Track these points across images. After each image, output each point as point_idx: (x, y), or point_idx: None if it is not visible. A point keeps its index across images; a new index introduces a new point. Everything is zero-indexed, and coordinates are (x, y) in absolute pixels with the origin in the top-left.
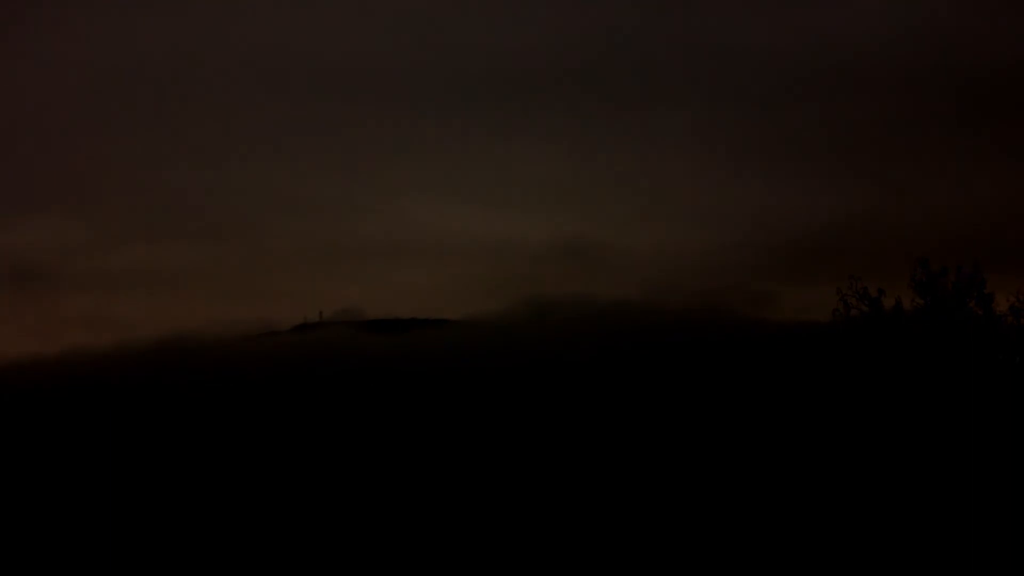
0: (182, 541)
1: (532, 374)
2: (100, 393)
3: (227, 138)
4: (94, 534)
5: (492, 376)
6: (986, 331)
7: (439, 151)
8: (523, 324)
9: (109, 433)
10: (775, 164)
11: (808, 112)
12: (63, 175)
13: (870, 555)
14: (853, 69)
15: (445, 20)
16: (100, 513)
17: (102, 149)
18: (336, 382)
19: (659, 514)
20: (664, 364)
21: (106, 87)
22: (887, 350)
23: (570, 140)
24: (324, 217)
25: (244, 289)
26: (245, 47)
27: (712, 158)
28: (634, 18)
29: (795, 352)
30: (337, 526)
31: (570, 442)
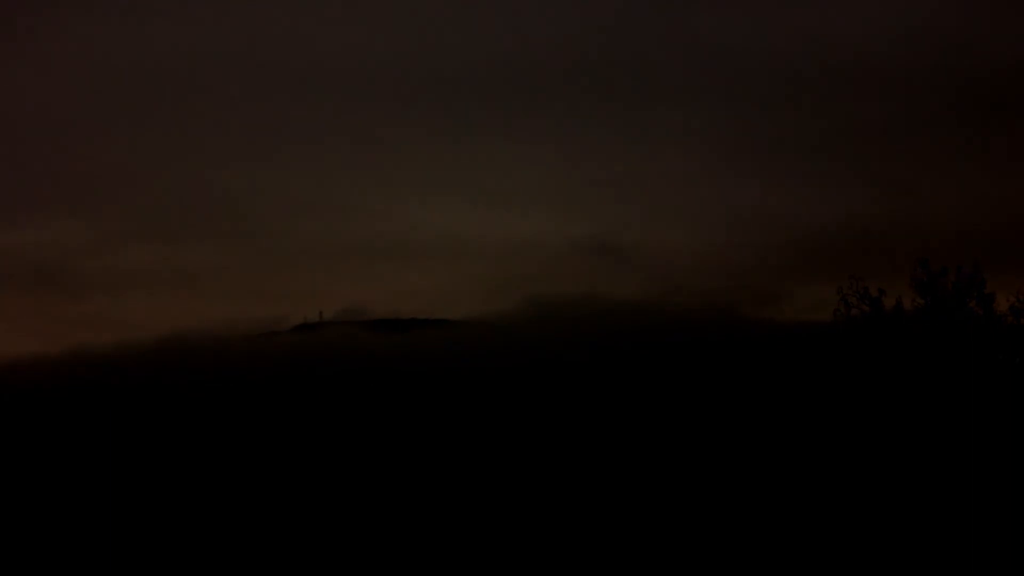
0: (183, 539)
1: (532, 374)
2: (102, 392)
3: (228, 139)
4: (96, 532)
5: (492, 376)
6: (986, 331)
7: (440, 151)
8: (524, 324)
9: (111, 432)
10: (775, 164)
11: (808, 112)
12: (65, 176)
13: (871, 553)
14: (853, 69)
15: (447, 21)
16: (102, 511)
17: (104, 151)
18: (336, 382)
19: (659, 513)
20: (664, 364)
21: (108, 88)
22: (888, 350)
23: (570, 140)
24: (325, 217)
25: (245, 289)
26: (247, 47)
27: (711, 158)
28: (635, 18)
29: (796, 352)
30: (337, 524)
31: (570, 442)
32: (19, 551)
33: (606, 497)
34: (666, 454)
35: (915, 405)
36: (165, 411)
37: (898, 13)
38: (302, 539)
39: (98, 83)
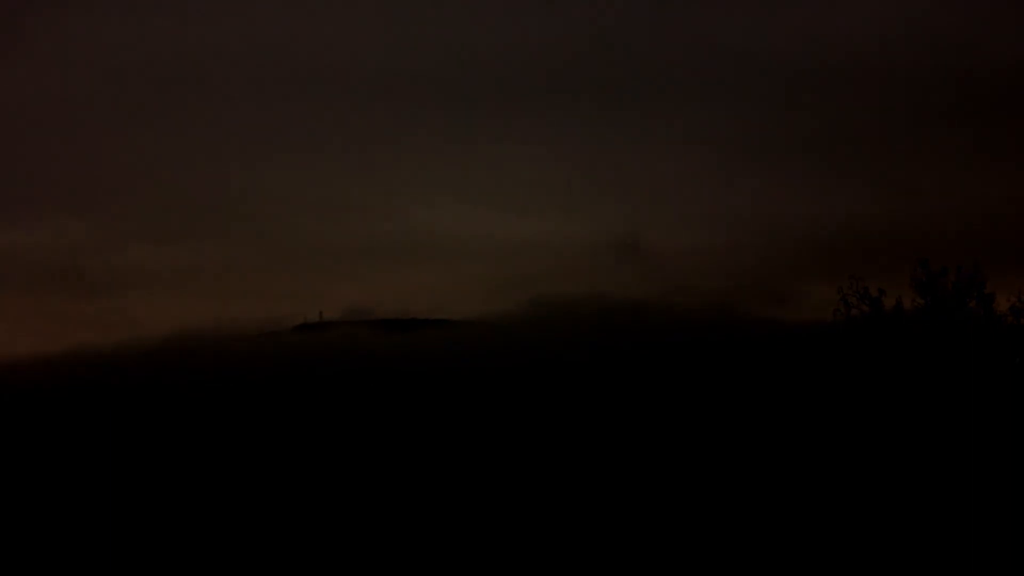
0: (184, 540)
1: (534, 374)
2: (103, 392)
3: (230, 139)
4: (97, 530)
5: (494, 376)
6: (986, 331)
7: (441, 151)
8: (526, 324)
9: (112, 432)
10: (775, 164)
11: (808, 112)
12: (65, 176)
13: (871, 553)
14: (853, 69)
15: (450, 21)
16: (103, 510)
17: (104, 150)
18: (336, 382)
19: (661, 513)
20: (665, 364)
21: (108, 88)
22: (887, 350)
23: (572, 141)
24: (327, 217)
25: (246, 289)
26: (248, 47)
27: (712, 158)
28: (635, 18)
29: (796, 352)
30: (338, 524)
31: (573, 442)
32: (20, 551)
33: (608, 497)
34: (667, 454)
35: (915, 405)
36: (166, 411)
37: (898, 13)
38: (303, 538)
39: (99, 83)
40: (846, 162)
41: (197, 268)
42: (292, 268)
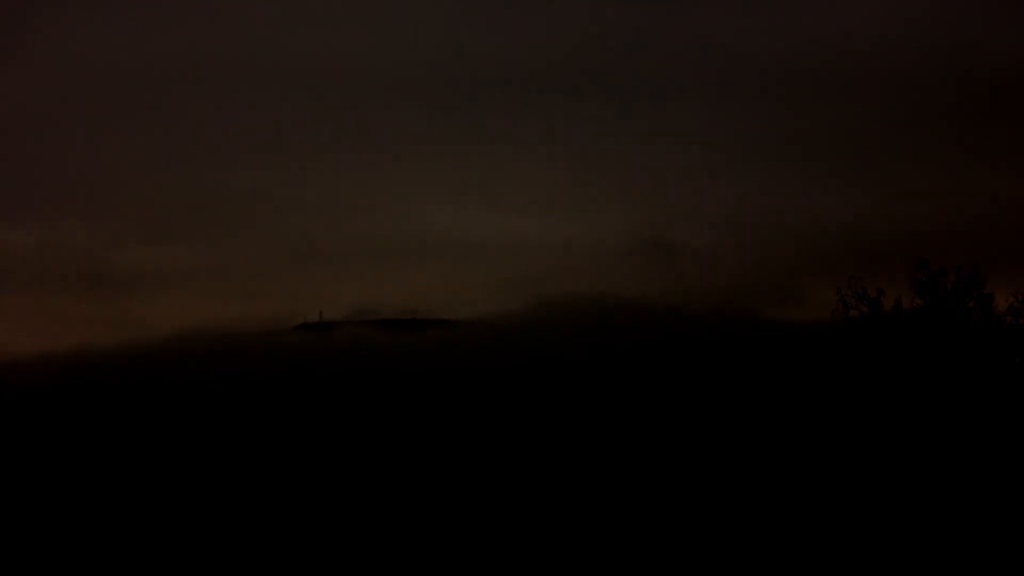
0: (185, 538)
1: (538, 374)
2: (104, 392)
3: (231, 139)
4: (97, 531)
5: (498, 376)
6: (986, 331)
7: (444, 152)
8: (530, 325)
9: (113, 432)
10: (774, 164)
11: (808, 112)
12: (66, 176)
13: (872, 551)
14: (853, 69)
15: (453, 23)
16: (104, 509)
17: (105, 150)
18: (337, 381)
19: (662, 513)
20: (667, 364)
21: (109, 88)
22: (887, 350)
23: (573, 141)
24: (329, 218)
25: (246, 289)
26: (249, 48)
27: (711, 158)
28: (635, 19)
29: (796, 352)
30: (338, 523)
31: (576, 442)
32: (22, 551)
33: (611, 496)
34: (669, 454)
35: (915, 405)
36: (168, 411)
37: (898, 13)
38: (304, 537)
39: (99, 83)
40: (845, 162)
41: (198, 268)
42: (293, 268)
